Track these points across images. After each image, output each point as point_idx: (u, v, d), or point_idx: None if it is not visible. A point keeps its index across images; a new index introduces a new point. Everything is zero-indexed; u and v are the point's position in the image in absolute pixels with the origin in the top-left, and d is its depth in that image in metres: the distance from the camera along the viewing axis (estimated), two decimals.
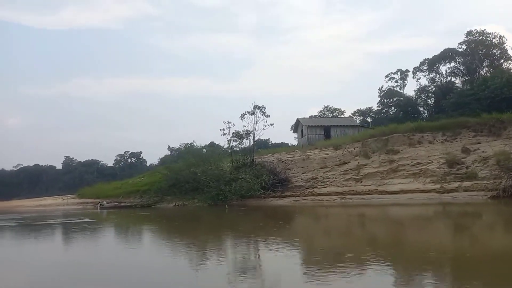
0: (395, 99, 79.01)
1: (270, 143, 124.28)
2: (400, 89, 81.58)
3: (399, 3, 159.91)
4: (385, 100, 79.20)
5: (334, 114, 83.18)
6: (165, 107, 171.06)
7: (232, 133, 36.11)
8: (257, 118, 33.75)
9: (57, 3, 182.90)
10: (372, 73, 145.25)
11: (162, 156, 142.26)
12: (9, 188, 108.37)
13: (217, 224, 19.68)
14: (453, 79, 73.79)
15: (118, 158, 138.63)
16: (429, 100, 77.89)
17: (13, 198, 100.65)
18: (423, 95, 77.23)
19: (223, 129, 34.61)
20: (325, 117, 60.78)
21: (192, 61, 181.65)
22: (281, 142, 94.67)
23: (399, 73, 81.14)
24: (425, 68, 77.90)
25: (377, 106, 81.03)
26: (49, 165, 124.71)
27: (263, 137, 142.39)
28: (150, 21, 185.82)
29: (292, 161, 34.12)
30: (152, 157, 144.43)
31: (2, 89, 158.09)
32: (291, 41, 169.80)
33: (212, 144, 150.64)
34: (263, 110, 33.58)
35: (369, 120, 73.74)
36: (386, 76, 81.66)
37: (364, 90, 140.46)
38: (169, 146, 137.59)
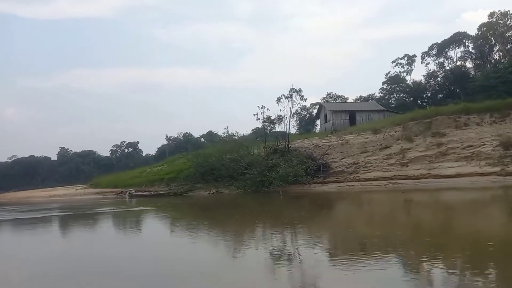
0: (402, 84, 78.09)
1: (268, 131, 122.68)
2: (407, 74, 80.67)
3: None
4: (391, 86, 78.19)
5: (338, 101, 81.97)
6: (162, 97, 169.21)
7: (264, 119, 34.66)
8: (293, 101, 32.30)
9: None
10: (371, 60, 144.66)
11: (159, 146, 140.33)
12: (4, 180, 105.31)
13: (288, 212, 18.28)
14: (462, 63, 73.03)
15: (115, 148, 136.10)
16: (437, 85, 77.19)
17: (10, 190, 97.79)
18: (431, 80, 76.50)
19: (257, 114, 33.12)
20: (350, 102, 59.41)
21: (189, 51, 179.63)
22: (279, 131, 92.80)
23: (406, 58, 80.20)
24: (433, 52, 77.06)
25: (379, 93, 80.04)
26: (44, 156, 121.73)
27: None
28: (146, 11, 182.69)
29: (329, 146, 32.79)
30: (147, 148, 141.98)
31: None
32: (289, 29, 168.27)
33: (210, 133, 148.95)
34: (300, 93, 32.12)
35: None
36: (393, 62, 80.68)
37: (364, 77, 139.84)
38: (167, 136, 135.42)
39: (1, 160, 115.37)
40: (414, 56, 79.30)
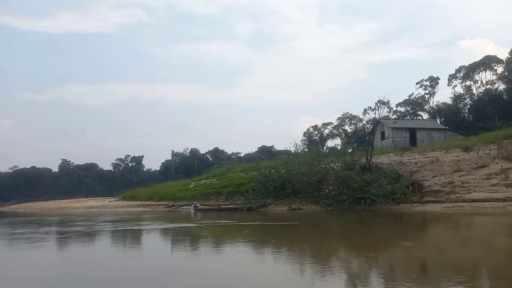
0: (416, 107, 76.66)
1: (273, 150, 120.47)
2: (429, 96, 79.24)
3: (391, 15, 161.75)
4: (411, 108, 76.49)
5: (353, 122, 79.69)
6: (160, 113, 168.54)
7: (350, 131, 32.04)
8: (380, 114, 29.81)
9: (53, 8, 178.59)
10: (366, 82, 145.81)
11: (163, 161, 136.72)
12: (4, 191, 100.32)
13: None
14: (491, 86, 72.48)
15: (118, 162, 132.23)
16: (465, 108, 76.53)
17: (11, 201, 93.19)
18: (458, 103, 75.44)
19: (339, 126, 30.49)
20: (409, 119, 57.32)
21: (188, 69, 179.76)
22: (284, 150, 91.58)
23: (429, 80, 78.84)
24: (460, 75, 76.44)
25: (392, 115, 78.35)
26: (46, 168, 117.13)
27: (268, 144, 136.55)
28: (146, 29, 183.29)
29: (416, 163, 30.29)
30: (146, 163, 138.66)
31: None
32: (287, 50, 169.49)
33: (216, 150, 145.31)
34: (388, 105, 29.74)
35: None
36: (417, 83, 78.57)
37: (361, 98, 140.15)
38: (172, 151, 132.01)
39: (2, 170, 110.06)
40: (438, 78, 78.17)
